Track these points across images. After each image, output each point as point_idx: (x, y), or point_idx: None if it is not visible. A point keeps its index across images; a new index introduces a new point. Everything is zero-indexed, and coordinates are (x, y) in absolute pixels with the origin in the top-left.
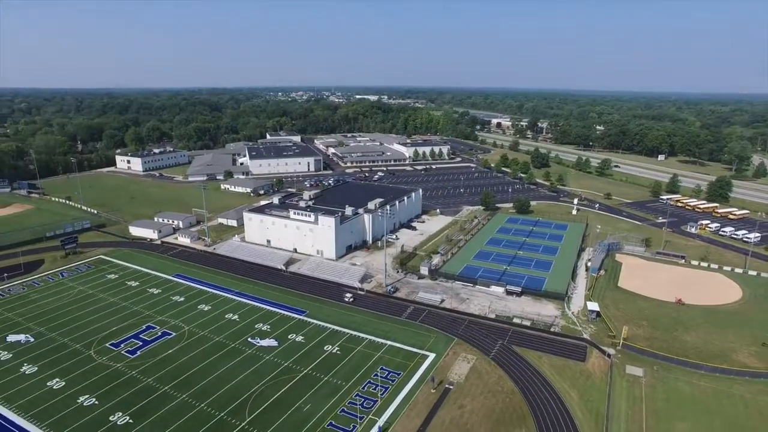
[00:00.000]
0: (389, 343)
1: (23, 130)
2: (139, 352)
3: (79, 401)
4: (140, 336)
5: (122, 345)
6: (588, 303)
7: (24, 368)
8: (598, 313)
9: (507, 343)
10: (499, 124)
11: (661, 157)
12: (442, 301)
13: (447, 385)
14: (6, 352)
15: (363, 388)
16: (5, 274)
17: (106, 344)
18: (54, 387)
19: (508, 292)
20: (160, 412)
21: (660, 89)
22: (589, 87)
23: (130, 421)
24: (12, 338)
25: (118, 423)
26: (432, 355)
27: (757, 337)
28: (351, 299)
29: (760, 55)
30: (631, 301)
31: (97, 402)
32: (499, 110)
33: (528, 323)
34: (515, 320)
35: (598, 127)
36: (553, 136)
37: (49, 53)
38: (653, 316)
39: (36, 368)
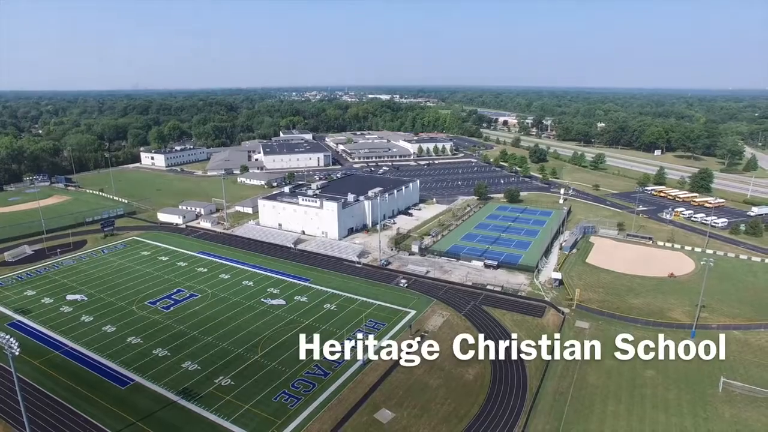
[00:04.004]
0: (378, 302)
1: (54, 130)
2: (172, 308)
3: (128, 340)
4: (172, 296)
5: (158, 303)
6: (553, 273)
7: (83, 318)
8: (560, 281)
9: (478, 303)
10: (505, 122)
11: (657, 152)
12: (427, 272)
13: (423, 333)
14: (68, 307)
15: (353, 334)
16: (58, 250)
17: (145, 302)
18: (108, 331)
19: (486, 266)
20: (191, 348)
21: (678, 86)
22: (604, 84)
23: (168, 354)
24: (70, 297)
25: (159, 355)
26: (413, 312)
27: (693, 301)
28: (405, 284)
29: None
30: (594, 273)
31: (142, 341)
32: (508, 108)
33: (498, 289)
34: (488, 287)
35: (599, 124)
36: (556, 133)
37: (67, 57)
38: (610, 285)
39: (92, 318)
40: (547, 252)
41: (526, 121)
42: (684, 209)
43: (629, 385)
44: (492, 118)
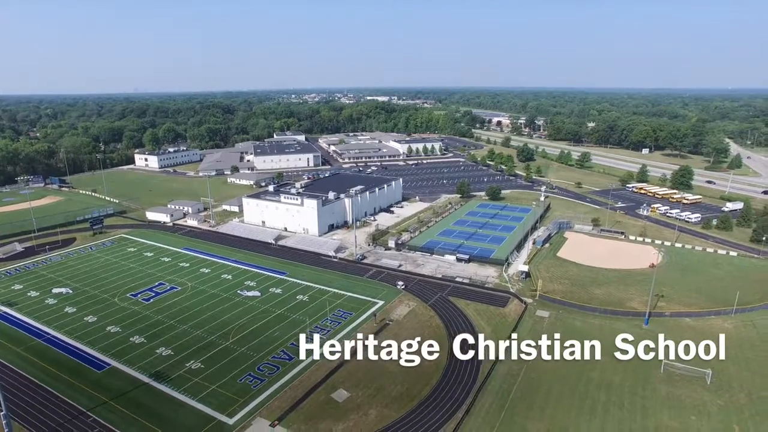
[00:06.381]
0: (349, 294)
1: (51, 133)
2: (152, 300)
3: (107, 329)
4: (153, 289)
5: (139, 295)
6: (521, 266)
7: (66, 309)
8: (527, 274)
9: (445, 294)
10: (499, 123)
11: (644, 151)
12: (400, 265)
13: (387, 321)
14: (53, 299)
15: (321, 322)
16: (47, 247)
17: (127, 295)
18: (89, 321)
19: (458, 260)
20: (167, 336)
21: (679, 86)
22: (606, 85)
23: (144, 340)
24: (56, 290)
25: (136, 342)
26: (381, 302)
27: (654, 291)
28: (402, 287)
29: None
30: (562, 266)
31: (120, 330)
32: (504, 109)
33: (466, 281)
34: (457, 279)
35: (589, 124)
36: (548, 133)
37: (67, 61)
38: (576, 277)
39: (75, 309)
40: (519, 246)
41: (519, 121)
42: (661, 205)
43: (579, 369)
44: (485, 119)
